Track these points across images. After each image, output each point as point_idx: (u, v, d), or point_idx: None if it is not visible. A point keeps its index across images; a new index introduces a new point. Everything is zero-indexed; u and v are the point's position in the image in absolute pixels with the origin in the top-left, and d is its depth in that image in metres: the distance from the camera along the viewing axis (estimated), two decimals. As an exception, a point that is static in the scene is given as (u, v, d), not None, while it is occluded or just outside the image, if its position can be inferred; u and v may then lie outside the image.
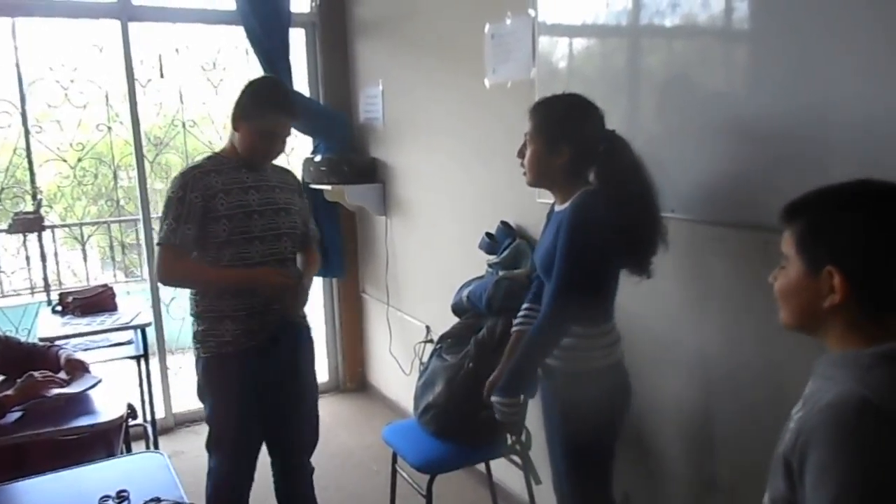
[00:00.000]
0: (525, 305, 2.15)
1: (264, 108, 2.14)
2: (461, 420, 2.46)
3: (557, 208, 1.90)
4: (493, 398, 1.92)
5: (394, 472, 2.69)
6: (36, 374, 2.31)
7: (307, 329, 2.43)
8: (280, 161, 2.36)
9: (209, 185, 2.13)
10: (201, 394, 2.30)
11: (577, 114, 1.82)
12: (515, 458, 2.59)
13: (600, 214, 1.75)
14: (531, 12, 2.45)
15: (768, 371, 1.77)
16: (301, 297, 2.31)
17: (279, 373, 2.27)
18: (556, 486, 2.07)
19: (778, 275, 1.11)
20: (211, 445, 2.31)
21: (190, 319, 2.29)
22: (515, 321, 2.16)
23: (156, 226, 4.18)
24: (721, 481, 1.99)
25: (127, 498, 1.66)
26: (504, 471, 2.88)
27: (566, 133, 1.81)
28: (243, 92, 2.19)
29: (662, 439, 2.18)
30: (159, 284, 3.81)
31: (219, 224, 2.13)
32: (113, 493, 1.67)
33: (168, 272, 2.17)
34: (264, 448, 2.39)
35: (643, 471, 2.26)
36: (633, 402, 1.95)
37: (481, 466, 2.94)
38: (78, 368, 2.48)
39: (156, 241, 2.20)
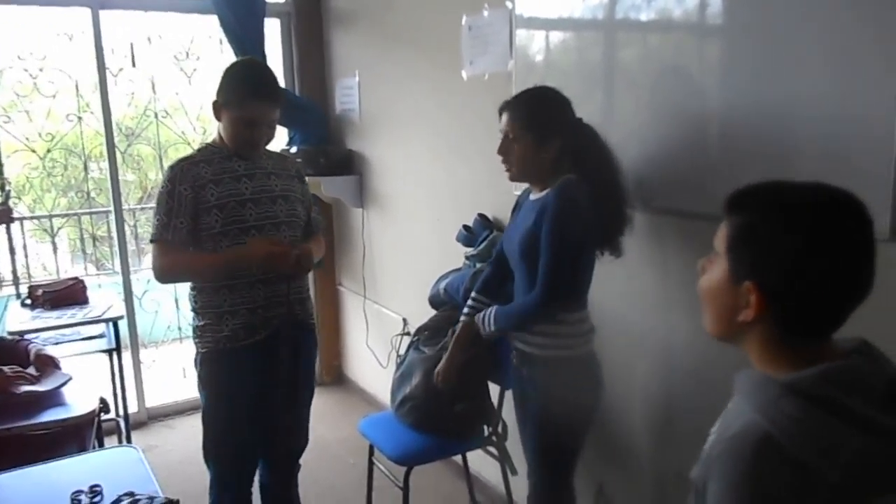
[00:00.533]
0: (473, 294, 2.18)
1: (242, 95, 2.04)
2: (438, 412, 2.47)
3: (534, 196, 1.92)
4: (488, 317, 2.00)
5: (370, 464, 2.69)
6: (5, 369, 2.27)
7: (311, 331, 2.35)
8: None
9: (198, 175, 2.06)
10: (200, 386, 2.23)
11: (559, 106, 1.86)
12: (492, 449, 2.60)
13: (583, 200, 1.80)
14: (508, 4, 2.45)
15: (735, 363, 1.79)
16: (303, 260, 2.12)
17: (278, 373, 2.19)
18: (530, 473, 2.09)
19: (706, 267, 1.02)
20: (208, 449, 2.24)
21: (163, 313, 2.25)
22: (464, 310, 2.19)
23: (128, 218, 4.15)
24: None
25: (100, 493, 1.64)
26: (481, 462, 2.90)
27: (555, 126, 1.84)
28: (223, 77, 2.10)
29: (633, 431, 2.21)
30: (132, 278, 3.80)
31: (210, 215, 2.06)
32: (86, 488, 1.65)
33: (164, 268, 2.09)
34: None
35: (616, 462, 2.28)
36: (604, 395, 1.99)
37: (458, 458, 2.96)
38: (48, 364, 2.44)
39: (149, 238, 2.14)
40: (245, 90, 2.05)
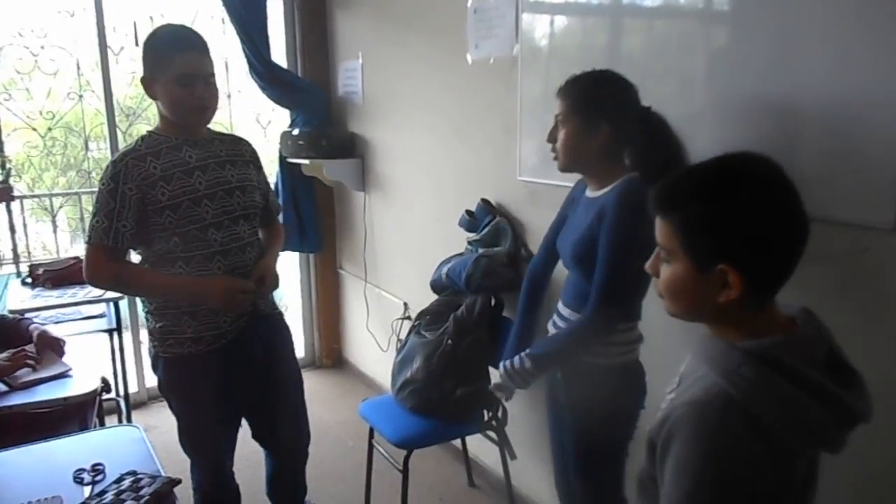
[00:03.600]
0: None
1: (166, 53, 1.87)
2: (438, 396, 2.48)
3: (591, 193, 1.77)
4: (514, 361, 1.81)
5: (370, 447, 2.71)
6: (5, 355, 2.28)
7: (280, 320, 2.24)
8: (258, 134, 2.23)
9: (146, 172, 1.88)
10: (163, 392, 2.13)
11: (613, 90, 1.69)
12: (491, 434, 2.61)
13: (647, 206, 1.67)
14: (515, -12, 2.43)
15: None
16: (267, 286, 2.06)
17: (252, 371, 2.11)
18: (559, 484, 2.02)
19: (658, 267, 1.05)
20: (184, 444, 2.18)
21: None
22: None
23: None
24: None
25: (102, 471, 1.65)
26: (480, 446, 2.91)
27: (604, 111, 1.67)
28: (144, 50, 1.93)
29: None
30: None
31: (162, 216, 1.89)
32: (88, 467, 1.66)
33: (96, 275, 1.91)
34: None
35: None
36: (643, 401, 1.83)
37: (457, 442, 2.98)
38: (50, 346, 2.43)
39: (83, 239, 1.96)
40: (167, 47, 1.89)
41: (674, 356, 1.99)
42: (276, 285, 2.12)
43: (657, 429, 1.00)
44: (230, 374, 2.07)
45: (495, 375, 2.53)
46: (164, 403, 3.79)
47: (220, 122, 3.35)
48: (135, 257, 2.07)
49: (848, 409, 0.93)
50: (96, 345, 3.13)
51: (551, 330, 1.89)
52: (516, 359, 1.81)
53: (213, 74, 1.96)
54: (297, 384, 2.33)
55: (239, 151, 2.10)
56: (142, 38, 3.67)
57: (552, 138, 1.76)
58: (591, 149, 1.70)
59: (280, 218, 2.36)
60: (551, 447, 2.05)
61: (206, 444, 2.17)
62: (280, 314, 2.25)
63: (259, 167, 2.19)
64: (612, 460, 1.83)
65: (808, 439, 0.93)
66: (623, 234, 1.62)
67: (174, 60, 1.87)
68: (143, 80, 1.94)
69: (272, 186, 2.77)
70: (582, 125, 1.68)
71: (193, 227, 1.92)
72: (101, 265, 1.90)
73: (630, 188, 1.65)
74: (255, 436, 2.32)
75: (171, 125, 1.98)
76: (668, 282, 1.03)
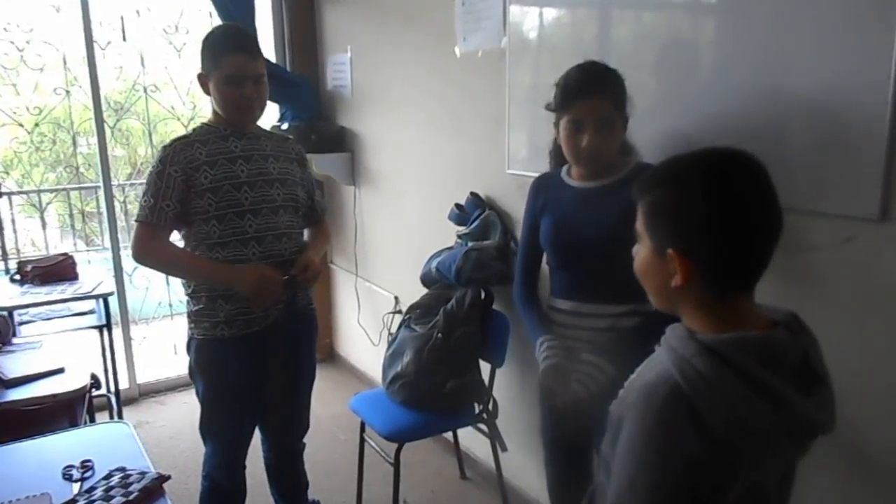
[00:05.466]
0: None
1: (219, 53, 1.99)
2: (429, 389, 2.48)
3: (593, 182, 1.77)
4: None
5: (362, 440, 2.71)
6: None
7: (312, 316, 2.30)
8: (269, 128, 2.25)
9: (192, 157, 1.99)
10: (192, 375, 2.18)
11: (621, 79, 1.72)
12: (482, 426, 2.62)
13: None
14: (503, -20, 2.42)
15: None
16: (306, 276, 2.10)
17: (277, 362, 2.16)
18: (557, 490, 1.95)
19: (636, 251, 1.08)
20: (204, 430, 2.22)
21: (153, 290, 2.21)
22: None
23: (117, 193, 4.11)
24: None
25: (91, 468, 1.64)
26: (471, 439, 2.92)
27: (626, 101, 1.72)
28: (202, 48, 2.05)
29: None
30: (122, 254, 3.78)
31: (203, 198, 1.99)
32: (77, 463, 1.65)
33: (142, 251, 2.01)
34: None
35: None
36: None
37: (449, 435, 2.98)
38: None
39: (133, 217, 2.07)
40: (220, 47, 2.00)
41: None
42: (315, 280, 2.17)
43: (615, 410, 1.03)
44: (257, 363, 2.13)
45: (486, 369, 2.55)
46: (156, 399, 3.86)
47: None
48: (177, 240, 2.14)
49: (800, 417, 0.92)
50: (87, 341, 3.11)
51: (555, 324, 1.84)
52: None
53: (263, 74, 2.05)
54: (311, 378, 2.38)
55: (285, 149, 2.19)
56: (129, 33, 3.68)
57: (590, 142, 1.67)
58: (620, 140, 1.74)
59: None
60: (549, 448, 1.96)
61: (226, 430, 2.20)
62: (313, 310, 2.31)
63: (304, 165, 2.26)
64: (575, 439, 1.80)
65: (750, 441, 0.91)
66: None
67: (223, 61, 1.99)
68: (200, 77, 2.06)
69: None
70: (622, 121, 1.71)
71: (231, 211, 2.01)
72: (145, 242, 2.01)
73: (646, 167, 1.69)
74: (261, 424, 2.33)
75: (219, 118, 2.09)
76: (637, 264, 1.07)
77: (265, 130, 2.19)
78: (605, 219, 1.71)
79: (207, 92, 2.06)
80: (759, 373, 0.90)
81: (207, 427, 2.21)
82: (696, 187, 0.96)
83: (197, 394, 2.20)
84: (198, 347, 2.12)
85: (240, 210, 2.02)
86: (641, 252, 1.05)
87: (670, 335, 1.00)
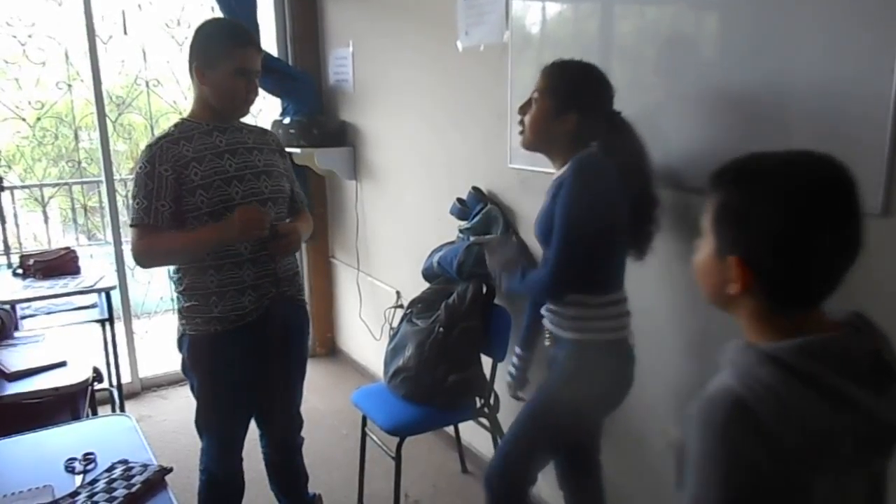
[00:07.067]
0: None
1: (229, 45, 1.97)
2: (431, 384, 2.49)
3: (554, 175, 1.82)
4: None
5: (363, 435, 2.72)
6: None
7: (302, 307, 2.30)
8: (248, 122, 2.24)
9: (179, 154, 1.97)
10: (186, 371, 2.18)
11: (591, 84, 1.77)
12: (484, 420, 2.63)
13: (603, 173, 1.70)
14: (505, -26, 2.42)
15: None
16: (289, 240, 2.08)
17: (268, 354, 2.15)
18: (504, 441, 1.97)
19: (698, 244, 1.02)
20: (199, 424, 2.21)
21: (155, 284, 2.20)
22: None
23: (119, 188, 4.11)
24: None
25: (94, 460, 1.64)
26: (472, 433, 2.93)
27: (577, 101, 1.74)
28: (197, 40, 2.02)
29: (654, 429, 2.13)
30: (124, 248, 3.78)
31: (195, 195, 1.97)
32: (79, 456, 1.65)
33: (145, 253, 2.00)
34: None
35: (635, 463, 2.21)
36: (627, 390, 1.84)
37: (450, 429, 2.99)
38: None
39: (128, 222, 2.03)
40: (232, 39, 1.99)
41: (653, 339, 2.05)
42: (297, 247, 2.17)
43: (682, 428, 0.97)
44: (250, 355, 2.12)
45: (487, 364, 2.55)
46: (158, 394, 3.86)
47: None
48: None
49: (876, 420, 0.87)
50: (89, 335, 3.12)
51: (545, 314, 1.89)
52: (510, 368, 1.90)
53: (260, 72, 2.07)
54: (302, 371, 2.37)
55: (265, 140, 2.19)
56: (130, 27, 3.68)
57: (523, 111, 1.82)
58: (557, 133, 1.76)
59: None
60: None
61: (221, 424, 2.20)
62: (303, 301, 2.32)
63: (284, 156, 2.26)
64: (556, 434, 1.87)
65: (822, 450, 0.86)
66: (576, 204, 1.67)
67: (235, 53, 1.98)
68: (196, 69, 2.01)
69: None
70: (553, 108, 1.75)
71: (223, 206, 1.99)
72: (146, 244, 1.99)
73: (586, 160, 1.72)
74: (257, 417, 2.33)
75: (206, 112, 2.06)
76: (696, 261, 1.01)
77: (244, 123, 2.18)
78: (545, 207, 1.80)
79: (203, 83, 2.02)
80: (828, 377, 0.86)
81: (203, 421, 2.20)
82: (773, 197, 0.89)
83: (192, 389, 2.19)
84: (191, 343, 2.10)
85: (231, 205, 2.00)
86: (703, 249, 0.99)
87: (731, 348, 0.95)
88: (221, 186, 2.00)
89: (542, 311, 1.90)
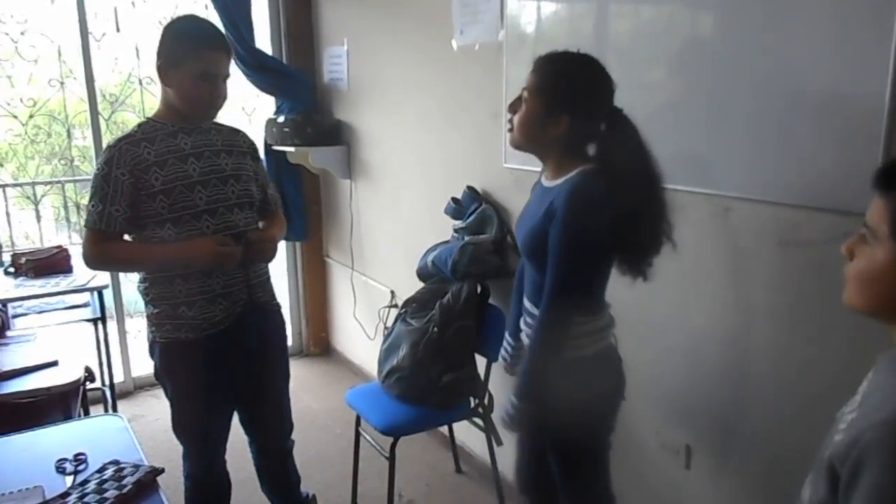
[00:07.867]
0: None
1: (196, 47, 1.88)
2: (425, 383, 2.48)
3: (547, 182, 1.69)
4: (507, 410, 1.73)
5: (357, 434, 2.71)
6: None
7: (276, 311, 2.24)
8: (242, 122, 2.21)
9: (139, 157, 1.88)
10: (159, 377, 2.12)
11: (585, 82, 1.59)
12: (478, 420, 2.62)
13: (600, 201, 1.54)
14: (500, -27, 2.41)
15: (765, 356, 1.80)
16: (262, 247, 2.04)
17: (245, 359, 2.09)
18: (521, 471, 1.98)
19: (857, 249, 0.92)
20: (177, 430, 2.16)
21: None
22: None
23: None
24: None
25: (85, 461, 1.64)
26: (466, 433, 2.93)
27: (569, 102, 1.58)
28: (165, 36, 1.93)
29: (649, 430, 2.11)
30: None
31: (155, 201, 1.89)
32: (70, 456, 1.64)
33: (93, 257, 1.94)
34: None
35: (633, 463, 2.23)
36: (621, 391, 1.78)
37: (444, 429, 2.99)
38: None
39: (80, 222, 2.03)
40: (198, 41, 1.90)
41: (646, 342, 2.06)
42: (272, 254, 2.12)
43: (842, 454, 0.86)
44: (224, 361, 2.06)
45: (482, 364, 2.55)
46: (151, 393, 3.84)
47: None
48: None
49: None
50: (81, 334, 3.10)
51: (523, 327, 1.83)
52: (507, 406, 1.73)
53: (229, 75, 2.00)
54: (284, 375, 2.32)
55: (236, 142, 2.10)
56: (123, 24, 3.66)
57: (513, 109, 1.67)
58: (548, 135, 1.61)
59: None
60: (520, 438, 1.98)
61: (199, 430, 2.16)
62: (277, 305, 2.25)
63: (256, 158, 2.18)
64: (595, 457, 1.77)
65: None
66: (574, 229, 1.54)
67: (201, 55, 1.90)
68: (160, 68, 1.94)
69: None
70: (543, 109, 1.59)
71: (187, 213, 1.92)
72: (95, 247, 1.93)
73: (583, 182, 1.56)
74: (241, 422, 2.31)
75: (171, 113, 1.99)
76: (862, 268, 0.92)
77: (214, 123, 2.09)
78: (533, 220, 1.66)
79: (168, 84, 1.95)
80: None
81: (180, 427, 2.15)
82: None
83: (166, 394, 2.14)
84: (162, 351, 2.04)
85: (196, 211, 1.93)
86: (878, 255, 0.90)
87: (893, 362, 0.89)
88: (184, 192, 1.92)
89: (522, 325, 1.84)
